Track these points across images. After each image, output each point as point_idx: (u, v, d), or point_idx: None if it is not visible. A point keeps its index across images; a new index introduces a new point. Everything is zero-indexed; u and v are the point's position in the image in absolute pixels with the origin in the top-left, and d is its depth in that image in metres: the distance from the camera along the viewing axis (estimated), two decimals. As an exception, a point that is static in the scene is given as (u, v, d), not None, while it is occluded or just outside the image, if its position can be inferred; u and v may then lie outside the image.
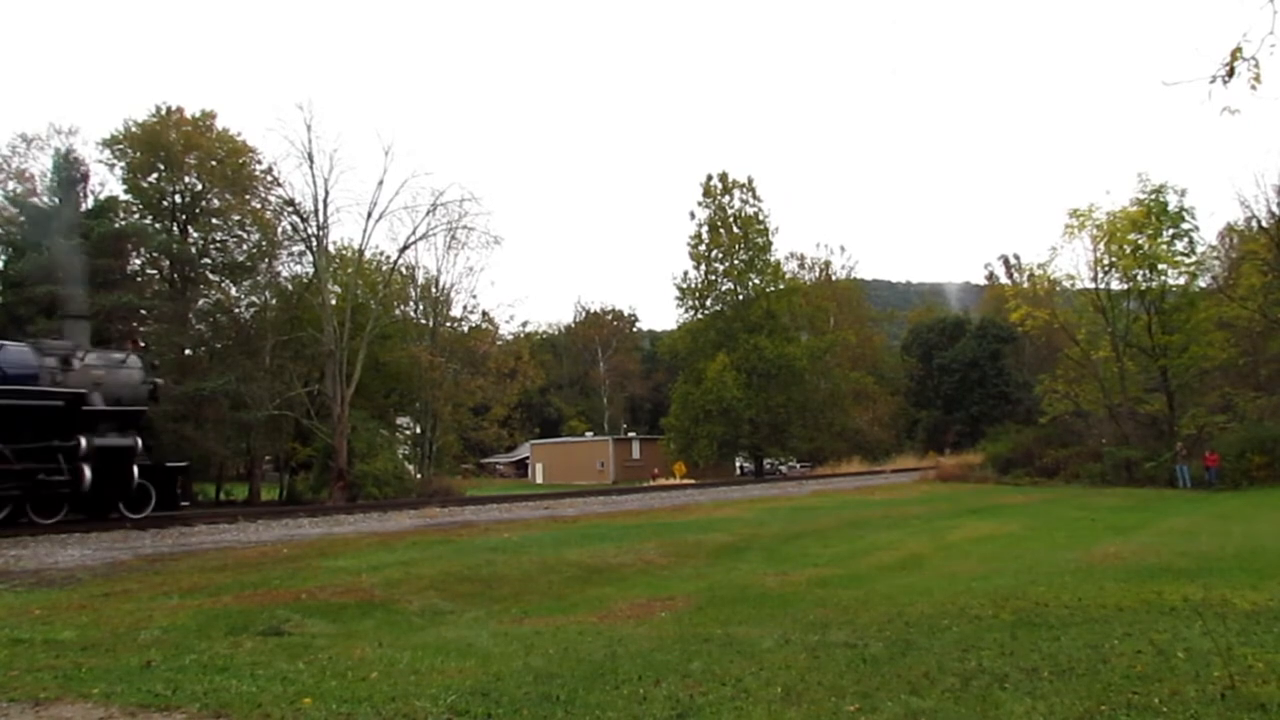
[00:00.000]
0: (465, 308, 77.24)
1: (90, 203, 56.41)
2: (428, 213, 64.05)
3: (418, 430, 64.38)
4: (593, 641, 11.01)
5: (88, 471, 25.05)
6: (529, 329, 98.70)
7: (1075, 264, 59.76)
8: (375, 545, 20.83)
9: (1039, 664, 9.13)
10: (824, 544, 22.52)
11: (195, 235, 60.47)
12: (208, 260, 60.71)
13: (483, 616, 13.70)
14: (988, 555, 20.41)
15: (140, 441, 27.58)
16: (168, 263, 59.37)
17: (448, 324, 73.05)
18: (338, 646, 10.85)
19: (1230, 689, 7.89)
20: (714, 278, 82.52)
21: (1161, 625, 11.08)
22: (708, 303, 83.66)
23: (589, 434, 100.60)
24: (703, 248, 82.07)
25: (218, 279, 62.19)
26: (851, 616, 12.57)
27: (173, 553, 19.49)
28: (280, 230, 62.75)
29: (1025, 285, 67.09)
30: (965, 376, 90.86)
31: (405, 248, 66.54)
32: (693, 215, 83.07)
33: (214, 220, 60.08)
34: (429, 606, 14.28)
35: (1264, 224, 54.52)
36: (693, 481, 61.16)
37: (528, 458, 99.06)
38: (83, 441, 25.21)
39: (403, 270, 73.09)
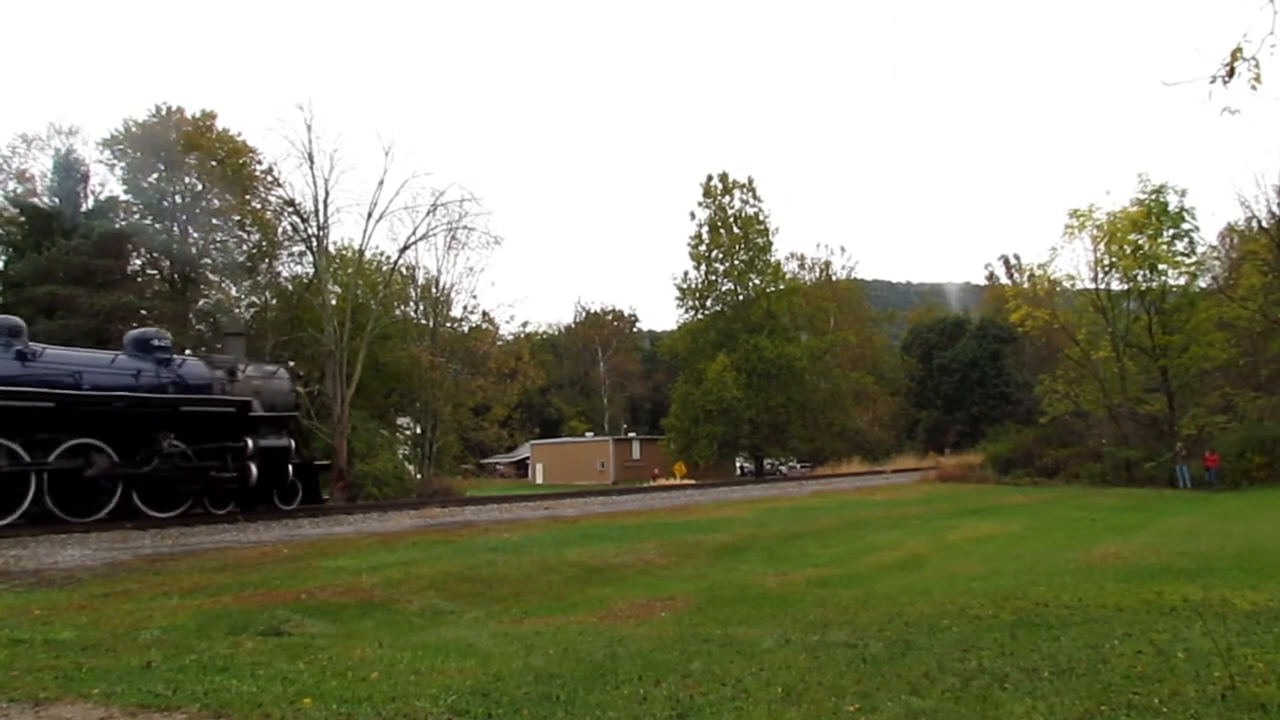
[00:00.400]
0: (465, 308, 77.19)
1: (90, 203, 56.42)
2: (428, 213, 64.01)
3: (418, 430, 64.44)
4: (593, 641, 11.02)
5: (254, 469, 27.84)
6: (529, 329, 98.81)
7: (1075, 264, 59.98)
8: (375, 545, 20.83)
9: (1039, 664, 9.13)
10: (824, 544, 22.53)
11: (195, 235, 60.46)
12: (208, 260, 60.70)
13: (483, 616, 13.70)
14: (988, 555, 20.42)
15: (292, 442, 30.59)
16: (168, 263, 59.42)
17: (448, 324, 73.07)
18: (338, 646, 10.85)
19: (1230, 689, 7.90)
20: (714, 278, 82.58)
21: (1161, 625, 11.09)
22: (708, 303, 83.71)
23: (589, 434, 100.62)
24: (703, 248, 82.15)
25: (218, 279, 62.20)
26: (851, 616, 12.58)
27: (173, 553, 19.48)
28: (280, 230, 62.78)
29: (1025, 285, 67.13)
30: (965, 377, 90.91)
31: (405, 248, 66.45)
32: (693, 215, 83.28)
33: (214, 220, 60.06)
34: (429, 606, 14.28)
35: (1264, 224, 54.55)
36: (693, 482, 61.14)
37: (528, 458, 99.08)
38: (249, 443, 27.95)
39: (403, 270, 73.09)
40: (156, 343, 28.03)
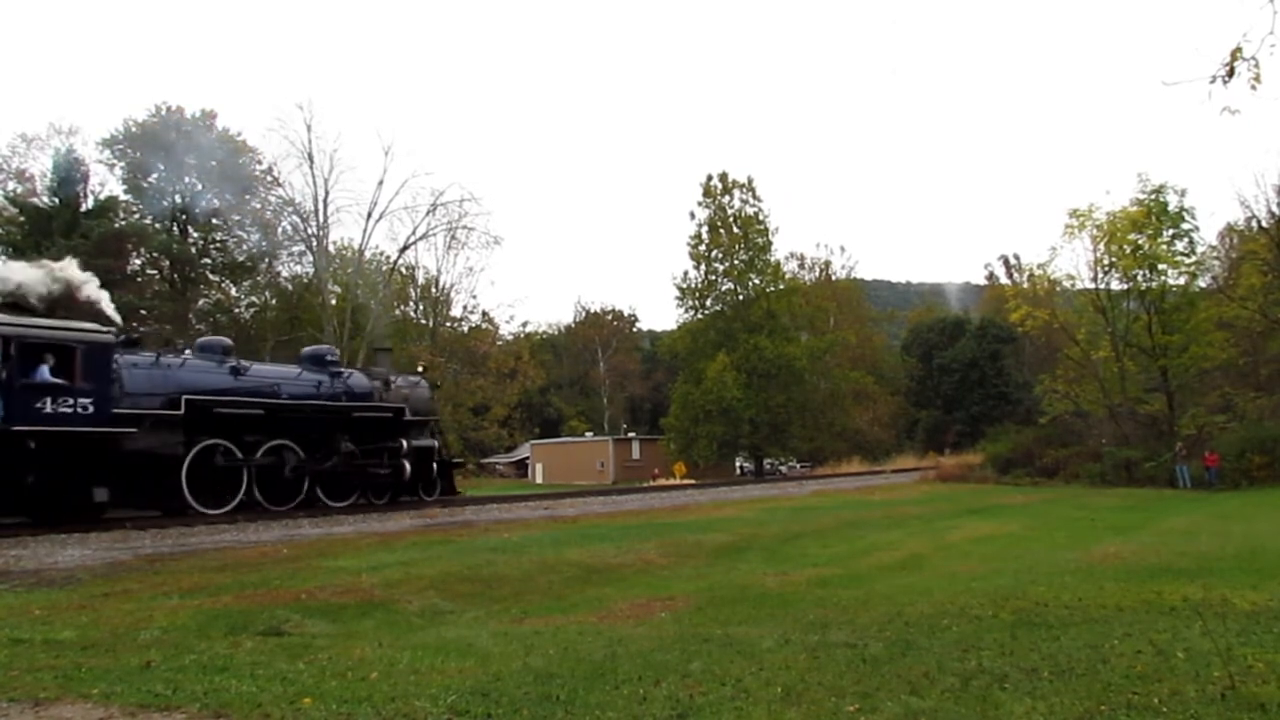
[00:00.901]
0: (465, 308, 77.70)
1: (90, 203, 56.46)
2: (428, 213, 64.56)
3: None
4: (593, 641, 11.02)
5: (407, 465, 32.06)
6: (529, 329, 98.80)
7: (1075, 264, 59.88)
8: (375, 545, 20.83)
9: (1039, 664, 9.13)
10: (824, 544, 22.52)
11: (195, 235, 60.55)
12: (208, 260, 60.91)
13: (483, 616, 13.69)
14: (988, 555, 20.42)
15: (436, 441, 35.52)
16: (168, 263, 59.67)
17: (448, 324, 73.37)
18: (338, 646, 10.86)
19: (1230, 689, 7.90)
20: (714, 278, 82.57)
21: (1161, 625, 11.09)
22: (708, 303, 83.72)
23: (589, 434, 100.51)
24: (703, 248, 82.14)
25: (218, 279, 62.46)
26: (851, 616, 12.58)
27: (172, 553, 19.48)
28: (280, 230, 63.02)
29: (1025, 285, 67.14)
30: (965, 376, 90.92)
31: (405, 248, 66.97)
32: (693, 215, 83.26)
33: (214, 220, 60.12)
34: (429, 606, 14.27)
35: (1264, 224, 54.62)
36: (693, 481, 61.08)
37: (528, 458, 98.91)
38: (404, 443, 32.31)
39: (403, 270, 73.46)
40: (329, 358, 33.53)
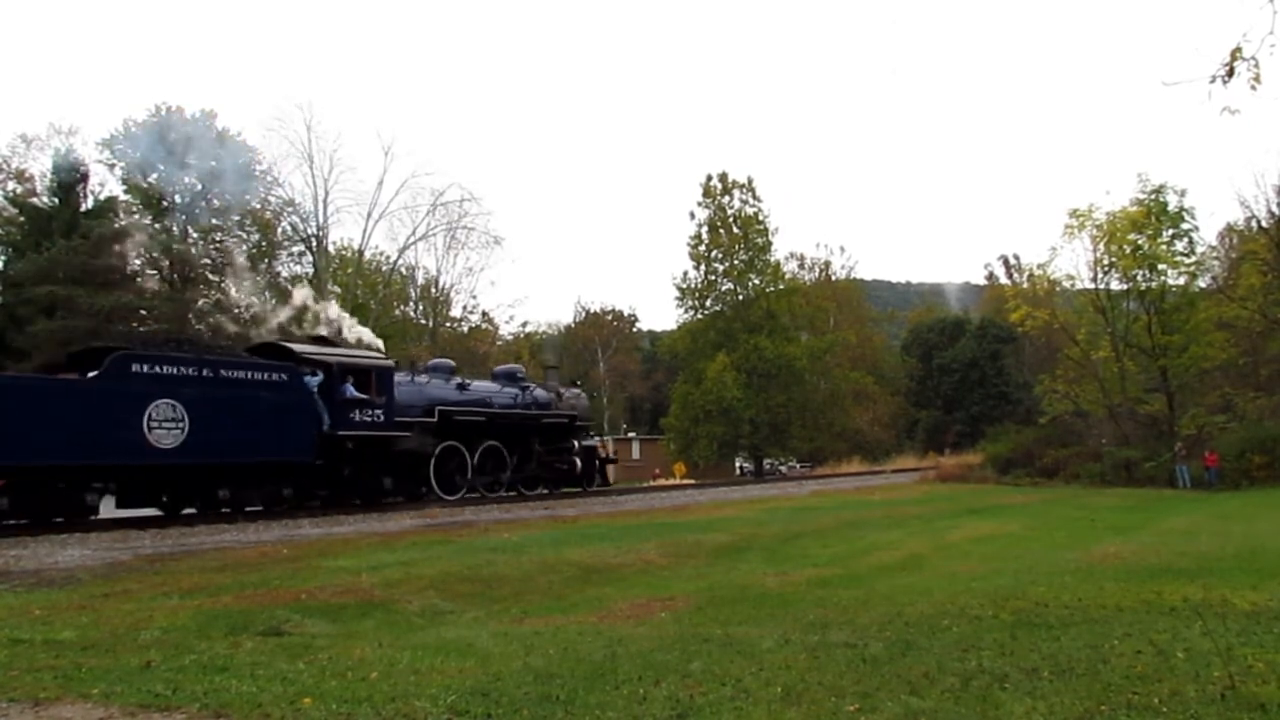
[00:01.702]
0: (465, 308, 77.77)
1: (90, 203, 56.46)
2: (427, 213, 64.76)
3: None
4: (593, 641, 11.03)
5: (579, 461, 40.23)
6: (529, 329, 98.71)
7: (1075, 264, 59.73)
8: (375, 545, 20.80)
9: (1039, 664, 9.14)
10: (824, 544, 22.50)
11: (195, 235, 60.53)
12: (207, 260, 60.81)
13: (483, 616, 13.70)
14: (988, 555, 20.40)
15: (596, 442, 45.18)
16: (167, 263, 59.51)
17: (448, 324, 73.29)
18: (338, 646, 10.87)
19: (1230, 689, 7.90)
20: (714, 278, 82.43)
21: (1161, 625, 11.11)
22: (707, 303, 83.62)
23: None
24: (702, 248, 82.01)
25: (217, 279, 62.32)
26: (851, 616, 12.58)
27: (172, 553, 19.47)
28: (280, 230, 62.98)
29: (1025, 285, 67.12)
30: (965, 377, 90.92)
31: (405, 248, 67.08)
32: (692, 215, 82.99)
33: (214, 220, 60.12)
34: (429, 606, 14.28)
35: (1264, 224, 54.62)
36: (693, 481, 61.07)
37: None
38: (575, 443, 40.41)
39: (403, 270, 73.42)
40: (519, 375, 40.57)
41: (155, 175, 59.12)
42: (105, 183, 60.28)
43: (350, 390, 30.36)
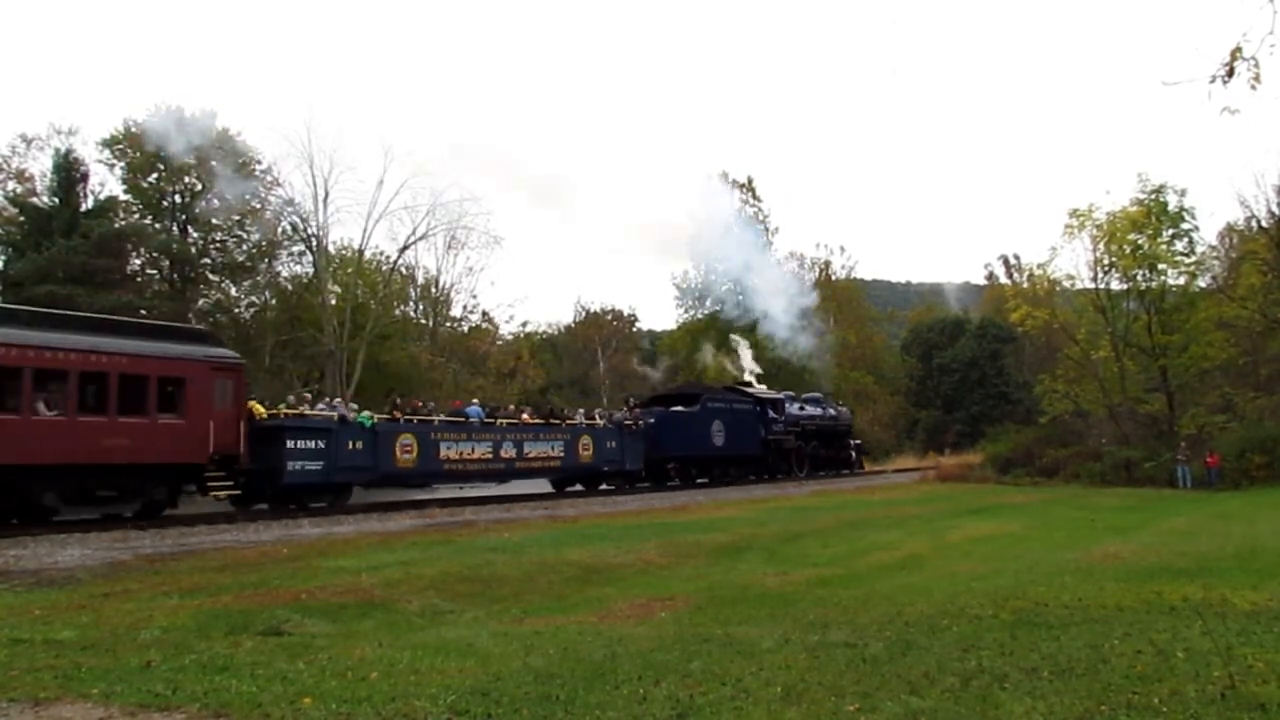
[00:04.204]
0: (465, 308, 77.74)
1: (90, 203, 56.45)
2: (427, 213, 64.46)
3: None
4: (593, 641, 11.06)
5: (854, 454, 60.55)
6: (529, 329, 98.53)
7: (1075, 264, 59.33)
8: (375, 545, 20.81)
9: (1039, 664, 9.16)
10: (824, 544, 22.46)
11: (195, 235, 60.55)
12: (207, 260, 60.91)
13: (482, 616, 13.70)
14: (988, 555, 20.37)
15: (859, 441, 64.33)
16: (167, 263, 59.66)
17: (448, 324, 73.30)
18: (338, 646, 10.88)
19: (1230, 689, 7.92)
20: (713, 277, 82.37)
21: (1161, 625, 11.13)
22: (707, 303, 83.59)
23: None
24: (702, 247, 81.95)
25: (218, 279, 62.45)
26: (851, 616, 12.61)
27: (173, 553, 19.48)
28: (280, 230, 62.98)
29: (1025, 285, 67.07)
30: (965, 376, 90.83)
31: (405, 248, 67.04)
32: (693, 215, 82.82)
33: (214, 220, 60.12)
34: (429, 606, 14.28)
35: (1264, 224, 54.51)
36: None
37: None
38: (850, 442, 60.42)
39: (403, 270, 73.40)
40: (821, 396, 60.18)
41: (155, 175, 59.15)
42: (105, 182, 60.24)
43: (770, 413, 51.66)
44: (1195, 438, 47.86)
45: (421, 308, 77.75)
